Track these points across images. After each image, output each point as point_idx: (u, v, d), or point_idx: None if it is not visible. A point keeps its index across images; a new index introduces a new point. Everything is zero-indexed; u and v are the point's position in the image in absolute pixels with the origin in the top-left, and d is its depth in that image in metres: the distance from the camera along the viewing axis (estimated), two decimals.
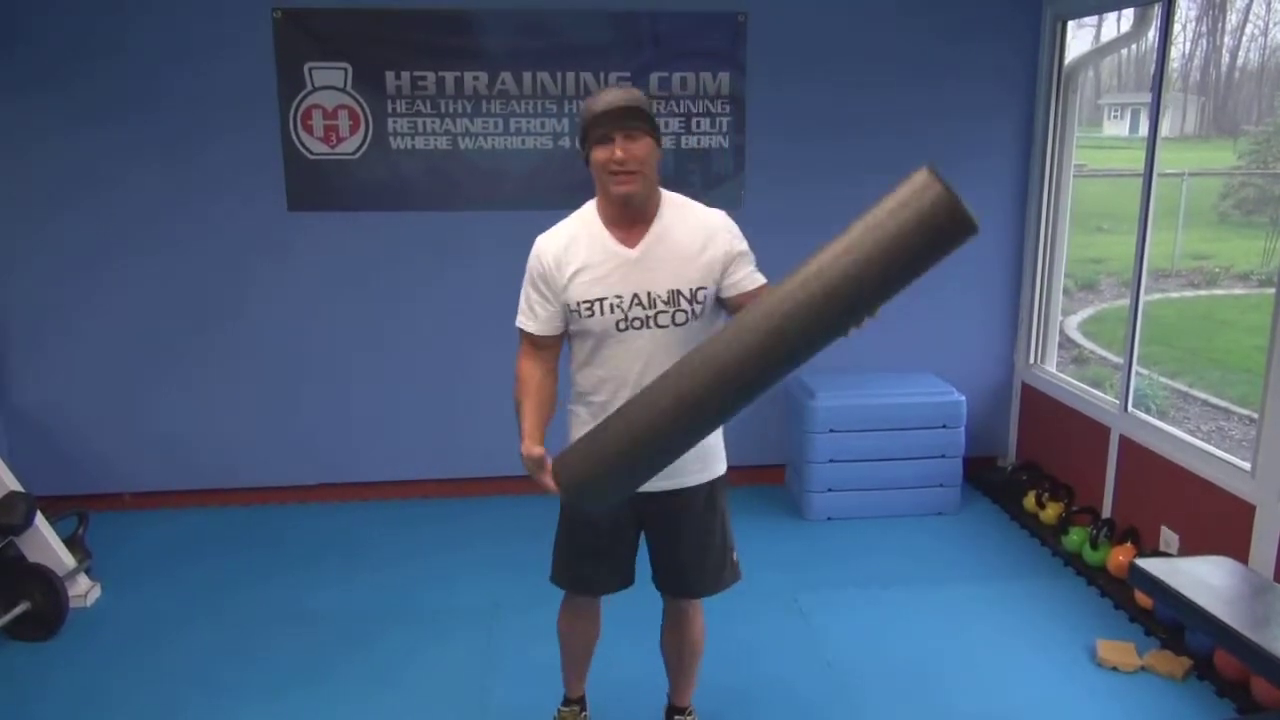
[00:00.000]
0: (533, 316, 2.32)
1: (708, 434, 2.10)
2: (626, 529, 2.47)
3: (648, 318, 2.25)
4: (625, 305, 2.25)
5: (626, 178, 2.18)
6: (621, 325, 2.25)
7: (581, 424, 2.35)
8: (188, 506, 4.52)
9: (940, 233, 1.82)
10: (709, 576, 2.52)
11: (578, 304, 2.26)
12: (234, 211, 4.28)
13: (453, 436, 4.44)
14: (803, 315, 1.91)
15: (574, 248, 2.28)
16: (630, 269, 2.25)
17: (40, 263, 4.26)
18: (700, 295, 2.27)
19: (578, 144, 2.30)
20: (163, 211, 4.25)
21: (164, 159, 4.20)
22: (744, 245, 2.34)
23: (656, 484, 2.31)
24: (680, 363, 2.04)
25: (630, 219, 2.27)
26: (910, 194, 1.84)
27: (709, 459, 2.43)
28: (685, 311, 2.27)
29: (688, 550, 2.47)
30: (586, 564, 2.51)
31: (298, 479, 4.56)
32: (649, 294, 2.25)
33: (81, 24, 4.05)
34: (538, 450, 2.20)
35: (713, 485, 2.46)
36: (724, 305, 2.34)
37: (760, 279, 2.35)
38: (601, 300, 2.25)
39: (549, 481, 2.18)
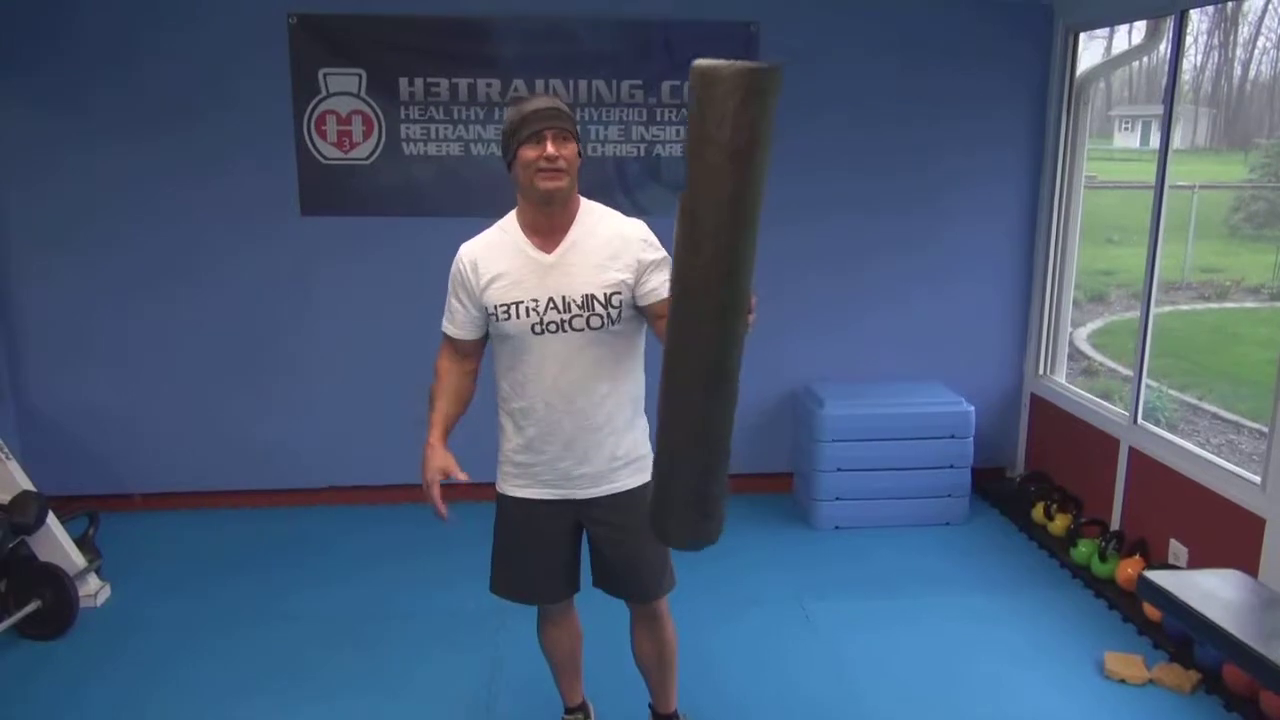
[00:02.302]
0: (455, 320, 2.41)
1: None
2: (566, 535, 2.49)
3: (563, 322, 2.29)
4: (540, 309, 2.29)
5: (555, 174, 2.22)
6: (537, 329, 2.29)
7: (507, 438, 2.45)
8: (198, 508, 4.54)
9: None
10: (663, 576, 2.54)
11: (495, 308, 2.32)
12: (247, 215, 4.31)
13: (464, 441, 4.44)
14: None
15: (493, 254, 2.34)
16: (546, 273, 2.30)
17: (57, 266, 4.29)
18: (615, 300, 2.30)
19: (500, 150, 2.33)
20: (175, 216, 4.28)
21: (177, 163, 4.23)
22: (659, 254, 2.36)
23: (596, 490, 2.39)
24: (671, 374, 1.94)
25: (550, 224, 2.31)
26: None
27: (641, 464, 2.44)
28: (601, 316, 2.29)
29: (640, 554, 2.47)
30: (525, 572, 2.52)
31: (308, 482, 4.58)
32: (564, 298, 2.29)
33: (98, 33, 4.10)
34: (436, 443, 2.32)
35: (649, 486, 2.47)
36: (643, 314, 2.35)
37: None
38: (517, 304, 2.29)
39: (435, 487, 2.34)
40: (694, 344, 1.88)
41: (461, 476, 2.29)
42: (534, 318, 2.29)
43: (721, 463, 2.11)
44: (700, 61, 1.70)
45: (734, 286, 1.84)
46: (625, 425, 2.40)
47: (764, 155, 1.76)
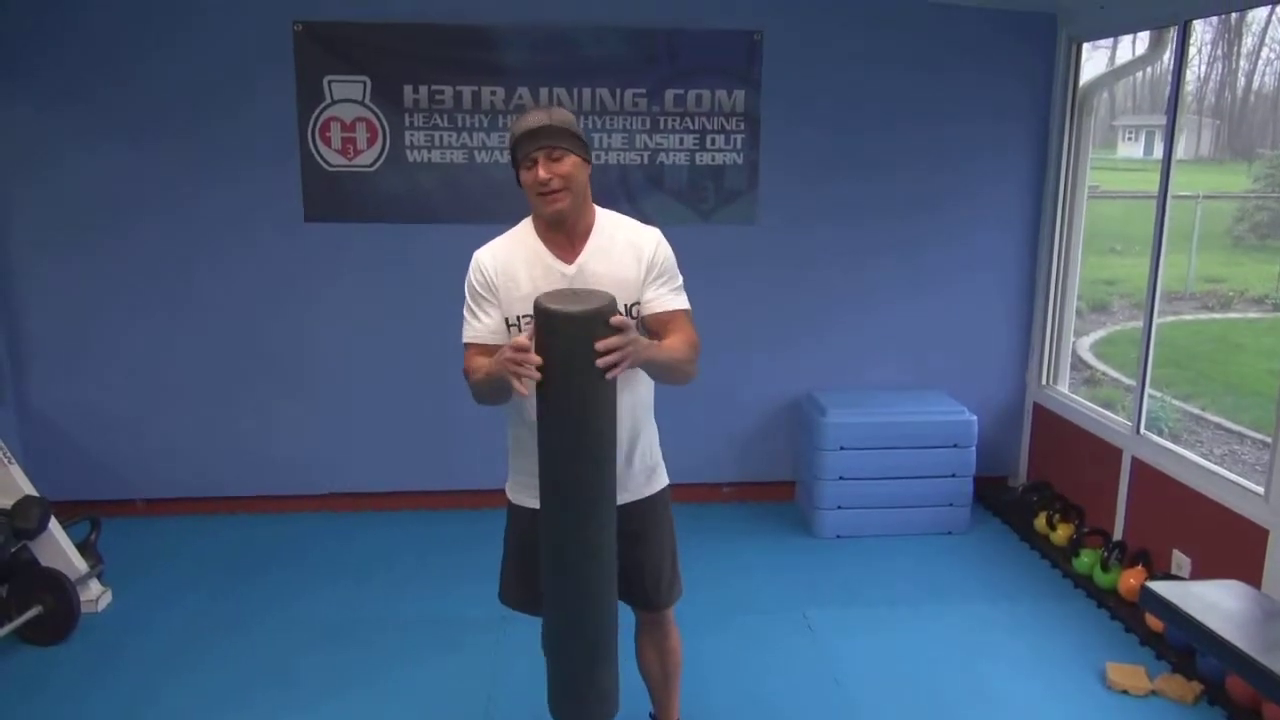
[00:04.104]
0: (482, 325, 2.29)
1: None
2: None
3: None
4: None
5: (554, 196, 2.20)
6: None
7: (523, 449, 2.36)
8: (200, 513, 4.54)
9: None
10: (672, 585, 2.53)
11: (518, 318, 2.26)
12: (251, 221, 4.32)
13: (467, 448, 4.45)
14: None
15: (513, 262, 2.29)
16: (567, 285, 2.26)
17: (61, 271, 4.30)
18: (634, 311, 2.29)
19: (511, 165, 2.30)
20: (178, 222, 4.29)
21: (181, 169, 4.24)
22: (669, 266, 2.34)
23: (616, 499, 2.32)
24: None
25: (565, 236, 2.29)
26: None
27: (654, 471, 2.44)
28: None
29: (650, 560, 2.47)
30: (536, 583, 2.45)
31: (310, 488, 4.58)
32: None
33: (103, 39, 4.11)
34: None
35: (662, 496, 2.47)
36: (643, 325, 2.32)
37: (678, 304, 2.34)
38: None
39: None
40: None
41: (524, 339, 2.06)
42: None
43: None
44: (543, 301, 2.03)
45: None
46: (642, 433, 2.39)
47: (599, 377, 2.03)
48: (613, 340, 2.01)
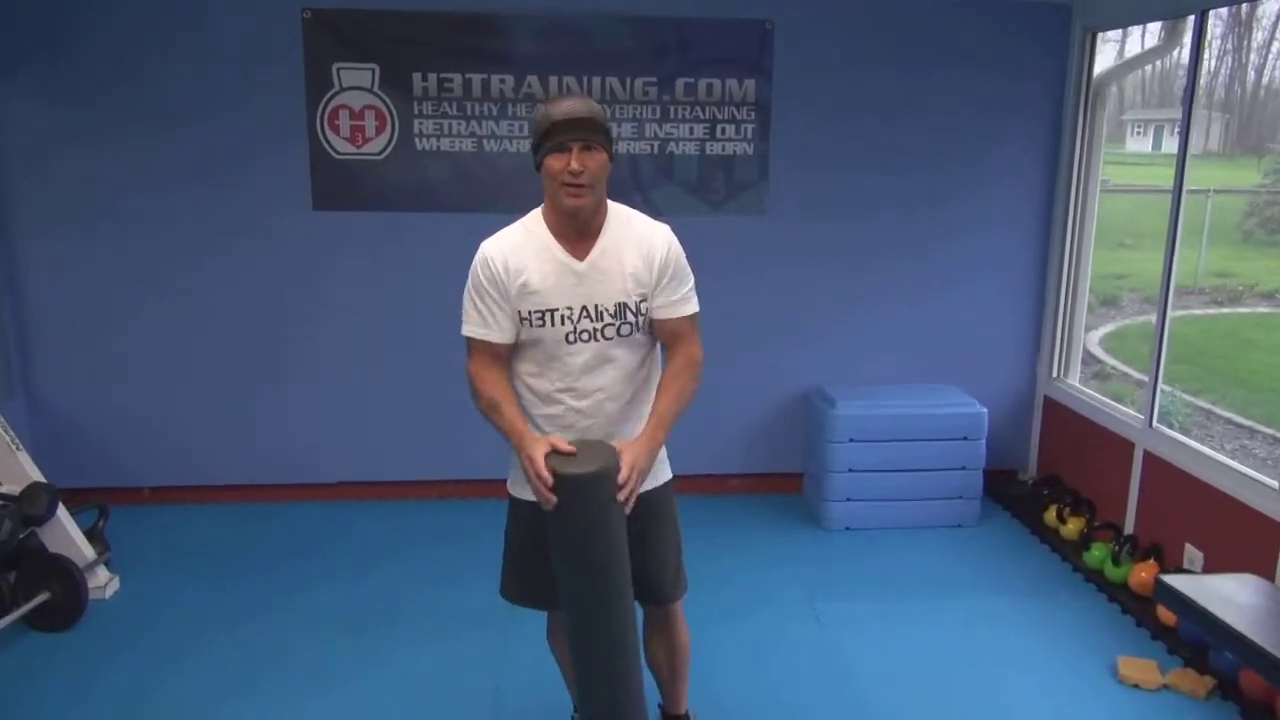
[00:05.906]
0: (493, 324, 2.25)
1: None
2: None
3: (595, 330, 2.24)
4: (574, 317, 2.24)
5: (579, 190, 2.16)
6: (570, 337, 2.24)
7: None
8: (207, 502, 4.53)
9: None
10: (678, 578, 2.51)
11: (529, 313, 2.24)
12: (259, 209, 4.31)
13: (474, 437, 4.42)
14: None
15: (522, 255, 2.25)
16: (578, 281, 2.24)
17: (69, 259, 4.29)
18: (643, 308, 2.27)
19: (530, 149, 2.25)
20: (186, 209, 4.28)
21: (189, 156, 4.23)
22: (680, 268, 2.31)
23: None
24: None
25: (578, 231, 2.25)
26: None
27: (659, 465, 2.39)
28: (630, 324, 2.27)
29: (656, 554, 2.44)
30: (538, 578, 2.44)
31: (319, 477, 4.58)
32: (597, 307, 2.24)
33: (112, 28, 4.10)
34: (527, 432, 2.23)
35: (666, 489, 2.44)
36: (650, 326, 2.31)
37: (687, 309, 2.33)
38: (553, 311, 2.23)
39: (543, 468, 2.16)
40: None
41: (566, 446, 2.18)
42: (568, 326, 2.24)
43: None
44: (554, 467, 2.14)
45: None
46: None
47: (614, 520, 2.19)
48: (629, 482, 2.16)
